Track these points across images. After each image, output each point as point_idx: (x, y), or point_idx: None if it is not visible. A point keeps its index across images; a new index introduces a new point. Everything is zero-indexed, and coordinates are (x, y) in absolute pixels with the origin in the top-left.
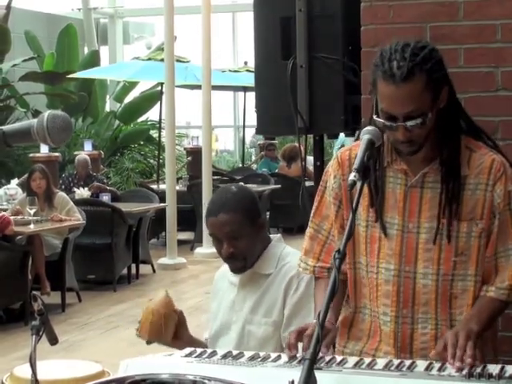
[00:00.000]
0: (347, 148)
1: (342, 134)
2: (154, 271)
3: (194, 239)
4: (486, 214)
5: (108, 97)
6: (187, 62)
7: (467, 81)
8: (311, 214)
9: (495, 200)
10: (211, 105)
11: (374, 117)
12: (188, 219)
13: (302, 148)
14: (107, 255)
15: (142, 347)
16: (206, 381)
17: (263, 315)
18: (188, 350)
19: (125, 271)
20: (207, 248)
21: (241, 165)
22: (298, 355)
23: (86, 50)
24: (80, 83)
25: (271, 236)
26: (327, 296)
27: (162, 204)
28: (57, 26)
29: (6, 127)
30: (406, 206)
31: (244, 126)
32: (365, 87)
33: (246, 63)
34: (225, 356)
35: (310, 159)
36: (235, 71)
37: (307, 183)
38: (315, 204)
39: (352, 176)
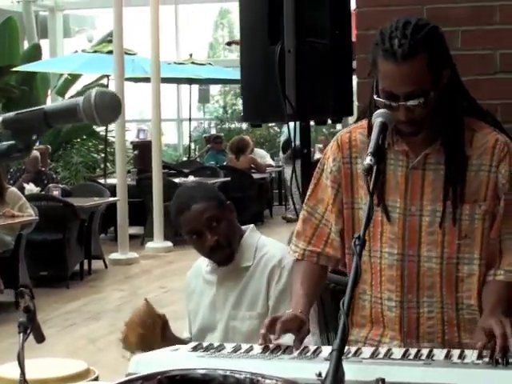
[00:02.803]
0: (347, 130)
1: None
2: (106, 267)
3: (145, 233)
4: (490, 196)
5: (50, 91)
6: (134, 54)
7: (465, 64)
8: (306, 197)
9: (499, 181)
10: (160, 98)
11: (375, 97)
12: (137, 213)
13: (284, 137)
14: (59, 251)
15: (101, 344)
16: (237, 374)
17: (246, 309)
18: (193, 343)
19: (77, 267)
20: (158, 242)
21: (185, 158)
22: (270, 345)
23: (26, 44)
24: (21, 77)
25: (243, 227)
26: (351, 283)
27: (114, 198)
28: None
29: (47, 106)
30: (408, 189)
31: (190, 119)
32: (360, 71)
33: (191, 55)
34: (235, 349)
35: (258, 152)
36: (180, 63)
37: (255, 176)
38: (311, 187)
39: (368, 160)
